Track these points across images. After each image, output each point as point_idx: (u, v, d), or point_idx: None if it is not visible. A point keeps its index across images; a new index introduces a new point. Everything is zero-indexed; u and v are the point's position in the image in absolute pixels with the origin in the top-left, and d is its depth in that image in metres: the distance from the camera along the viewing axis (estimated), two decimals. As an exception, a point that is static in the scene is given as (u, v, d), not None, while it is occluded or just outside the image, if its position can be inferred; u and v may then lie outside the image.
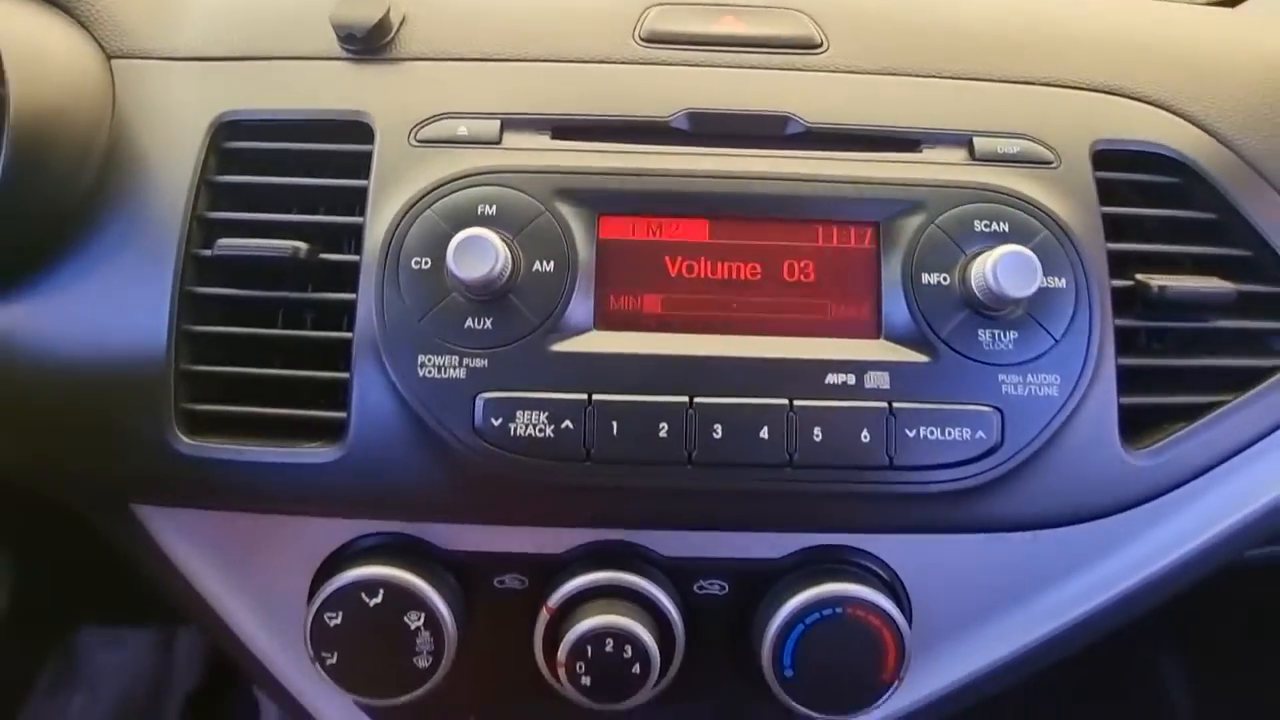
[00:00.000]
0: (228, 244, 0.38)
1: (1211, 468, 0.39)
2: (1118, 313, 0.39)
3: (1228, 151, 0.41)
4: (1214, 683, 0.90)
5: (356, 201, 0.39)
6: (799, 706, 0.38)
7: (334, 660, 0.37)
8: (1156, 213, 0.41)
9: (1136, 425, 0.39)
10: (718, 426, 0.35)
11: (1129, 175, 0.41)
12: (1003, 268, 0.34)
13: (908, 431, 0.36)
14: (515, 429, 0.35)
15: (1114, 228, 0.40)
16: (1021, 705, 0.93)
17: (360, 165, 0.39)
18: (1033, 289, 0.34)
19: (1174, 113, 0.42)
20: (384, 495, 0.37)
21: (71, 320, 0.38)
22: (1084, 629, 0.41)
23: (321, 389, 0.38)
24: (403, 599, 0.37)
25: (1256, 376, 0.40)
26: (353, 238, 0.38)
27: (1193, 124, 0.42)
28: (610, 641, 0.36)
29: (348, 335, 0.37)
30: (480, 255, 0.34)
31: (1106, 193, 0.40)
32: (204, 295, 0.38)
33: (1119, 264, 0.39)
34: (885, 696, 0.38)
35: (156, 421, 0.37)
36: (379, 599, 0.37)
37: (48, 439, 0.38)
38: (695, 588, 0.39)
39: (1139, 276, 0.39)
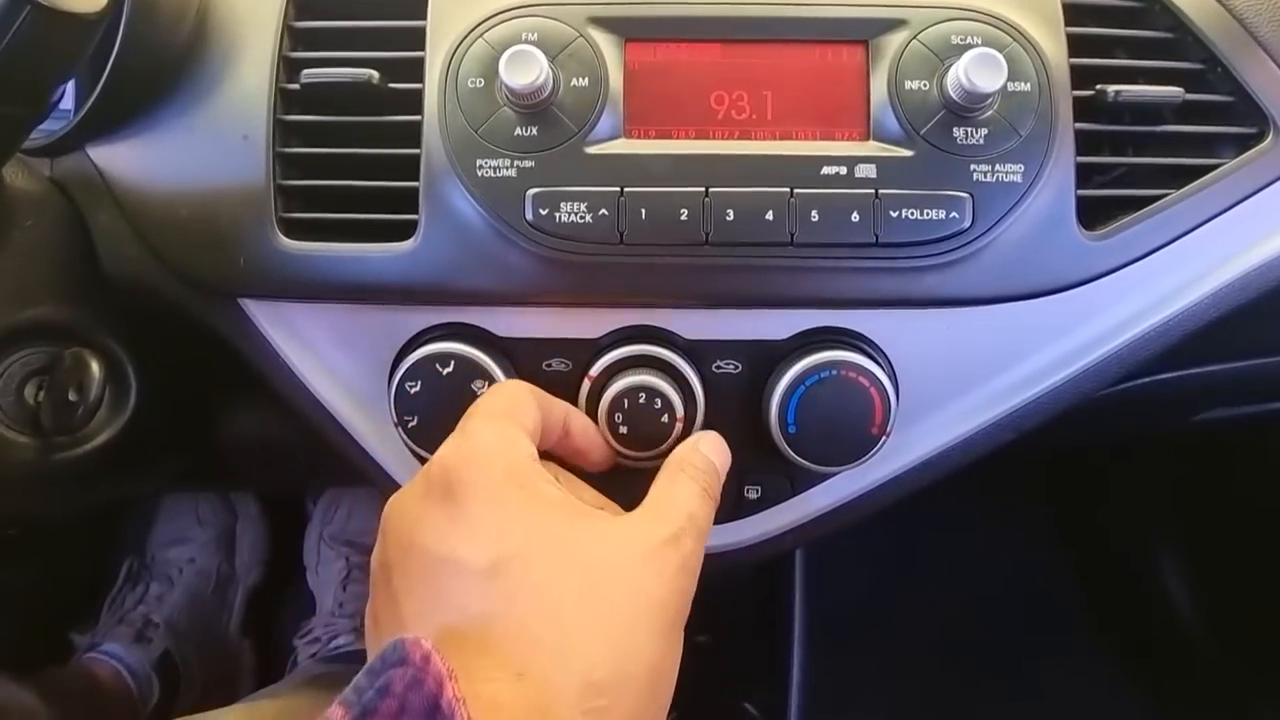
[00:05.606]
0: (312, 73, 0.44)
1: (1156, 250, 0.45)
2: (1079, 119, 0.44)
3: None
4: (1211, 578, 0.96)
5: (415, 40, 0.45)
6: (801, 460, 0.45)
7: (414, 423, 0.45)
8: (1116, 32, 0.46)
9: (1093, 216, 0.45)
10: (730, 211, 0.42)
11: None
12: (972, 65, 0.40)
13: (892, 213, 0.42)
14: (560, 217, 0.42)
15: (1081, 48, 0.45)
16: (1023, 603, 1.00)
17: (418, 8, 0.45)
18: (999, 84, 0.40)
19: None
20: (450, 282, 0.44)
21: (182, 152, 0.46)
22: (1050, 402, 0.47)
23: (395, 200, 0.45)
24: (470, 369, 0.44)
25: (1199, 173, 0.45)
26: (415, 69, 0.45)
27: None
28: (643, 395, 0.43)
29: (416, 151, 0.44)
30: (526, 64, 0.40)
31: (1074, 17, 0.45)
32: (292, 122, 0.45)
33: (1083, 78, 0.45)
34: (875, 450, 0.45)
35: (260, 228, 0.45)
36: (450, 368, 0.44)
37: (175, 249, 0.46)
38: (713, 367, 0.46)
39: (1098, 86, 0.45)
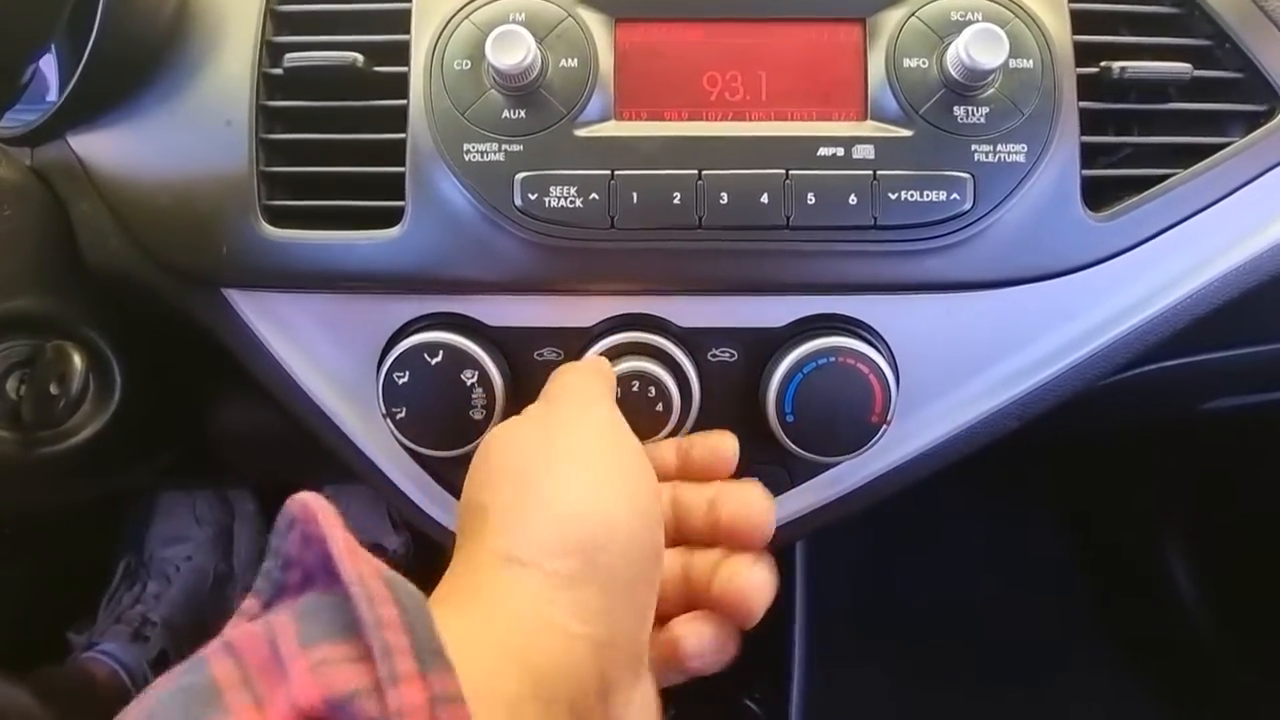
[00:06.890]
0: (295, 57, 0.43)
1: (1164, 231, 0.43)
2: (1084, 97, 0.43)
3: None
4: (1220, 575, 0.94)
5: (400, 22, 0.44)
6: (799, 449, 0.44)
7: (402, 415, 0.44)
8: (1121, 8, 0.45)
9: (1098, 197, 0.44)
10: (723, 194, 0.41)
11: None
12: (973, 41, 0.39)
13: (890, 195, 0.41)
14: (549, 202, 0.41)
15: (1085, 24, 0.44)
16: (1027, 600, 0.99)
17: (403, -9, 0.44)
18: (1000, 60, 0.39)
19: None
20: (438, 270, 0.43)
21: (163, 139, 0.45)
22: (1055, 389, 0.46)
23: (381, 186, 0.44)
24: (459, 358, 0.43)
25: (1207, 152, 0.44)
26: (400, 52, 0.44)
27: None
28: (636, 383, 0.42)
29: (402, 135, 0.43)
30: (513, 45, 0.39)
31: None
32: (276, 108, 0.44)
33: (1087, 55, 0.44)
34: (875, 439, 0.44)
35: (244, 216, 0.43)
36: (439, 358, 0.43)
37: (157, 238, 0.45)
38: (709, 355, 0.45)
39: (1103, 63, 0.43)
